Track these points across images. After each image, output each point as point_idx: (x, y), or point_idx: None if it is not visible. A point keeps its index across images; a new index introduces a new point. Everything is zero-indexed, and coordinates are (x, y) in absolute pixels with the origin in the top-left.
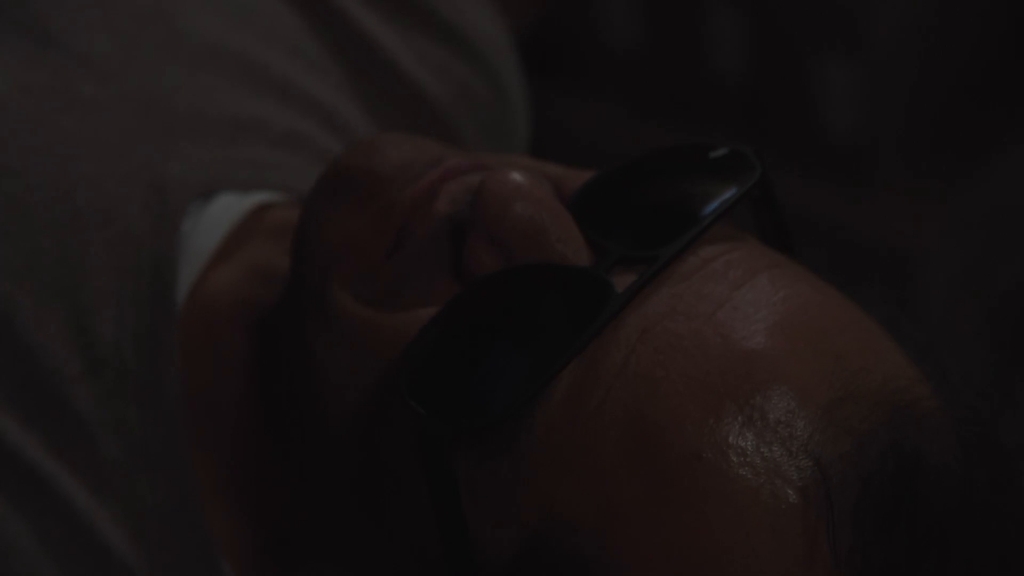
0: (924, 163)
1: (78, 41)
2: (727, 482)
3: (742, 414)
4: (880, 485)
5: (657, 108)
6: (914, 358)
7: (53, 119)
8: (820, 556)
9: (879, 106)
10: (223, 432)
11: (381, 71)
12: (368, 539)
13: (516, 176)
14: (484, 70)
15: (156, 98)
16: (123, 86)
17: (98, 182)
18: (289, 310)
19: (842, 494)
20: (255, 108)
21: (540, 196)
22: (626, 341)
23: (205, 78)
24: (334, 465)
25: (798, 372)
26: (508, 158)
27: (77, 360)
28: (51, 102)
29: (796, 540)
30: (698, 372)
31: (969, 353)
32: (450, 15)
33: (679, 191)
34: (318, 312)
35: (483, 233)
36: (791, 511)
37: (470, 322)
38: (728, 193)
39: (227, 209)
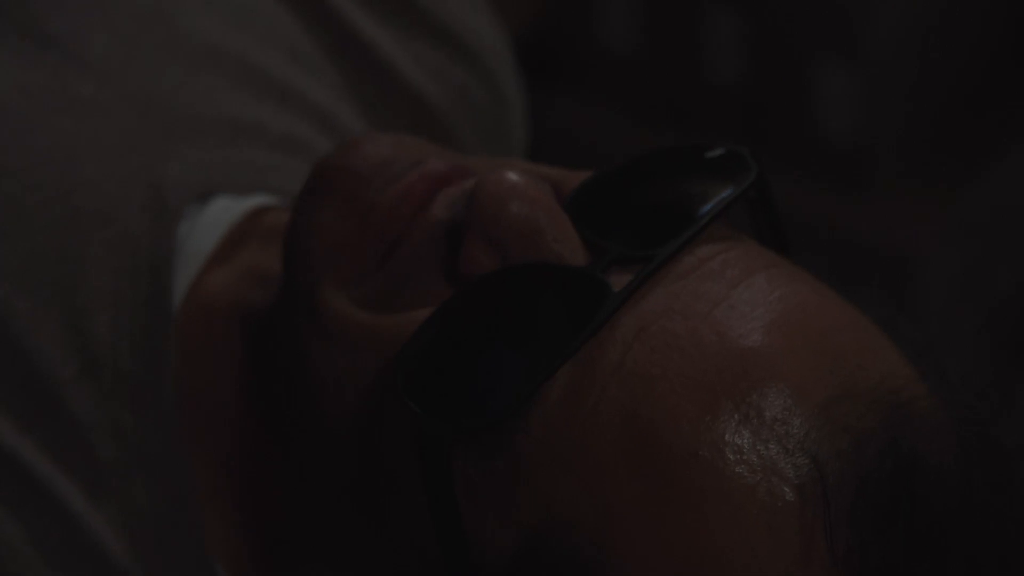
0: (923, 166)
1: (78, 42)
2: (724, 480)
3: (738, 412)
4: (877, 483)
5: (655, 111)
6: (913, 359)
7: (52, 120)
8: (817, 554)
9: (878, 109)
10: (219, 434)
11: (378, 74)
12: (366, 540)
13: (512, 176)
14: (482, 73)
15: (155, 99)
16: (122, 87)
17: (97, 183)
18: (283, 312)
19: (839, 492)
20: (254, 110)
21: (536, 196)
22: (623, 340)
23: (205, 80)
24: (331, 466)
25: (795, 370)
26: (500, 160)
27: (73, 361)
28: (50, 103)
29: (793, 538)
30: (694, 371)
31: (968, 354)
32: (447, 18)
33: (676, 191)
34: (310, 313)
35: (479, 233)
36: (788, 509)
37: (467, 322)
38: (724, 193)
39: (224, 211)
